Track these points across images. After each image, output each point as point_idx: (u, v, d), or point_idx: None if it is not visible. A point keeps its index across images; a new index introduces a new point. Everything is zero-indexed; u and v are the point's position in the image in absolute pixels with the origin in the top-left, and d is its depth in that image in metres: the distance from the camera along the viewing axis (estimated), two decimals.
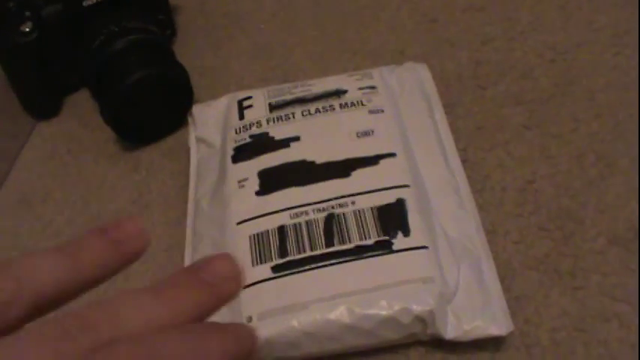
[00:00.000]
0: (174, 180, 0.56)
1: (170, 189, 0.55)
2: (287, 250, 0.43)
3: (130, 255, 0.27)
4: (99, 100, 0.58)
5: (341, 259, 0.43)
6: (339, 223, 0.44)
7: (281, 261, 0.43)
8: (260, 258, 0.43)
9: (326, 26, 0.66)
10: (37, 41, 0.58)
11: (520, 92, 0.56)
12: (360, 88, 0.53)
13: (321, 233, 0.44)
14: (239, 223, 0.46)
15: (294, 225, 0.45)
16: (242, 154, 0.50)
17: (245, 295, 0.42)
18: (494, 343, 0.42)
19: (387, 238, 0.43)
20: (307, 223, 0.45)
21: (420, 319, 0.40)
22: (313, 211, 0.45)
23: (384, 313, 0.40)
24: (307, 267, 0.43)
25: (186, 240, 0.49)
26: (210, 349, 0.23)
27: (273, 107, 0.52)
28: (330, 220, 0.44)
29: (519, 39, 0.60)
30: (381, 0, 0.67)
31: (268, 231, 0.45)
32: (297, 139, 0.50)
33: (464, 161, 0.51)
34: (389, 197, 0.45)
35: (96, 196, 0.56)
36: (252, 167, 0.49)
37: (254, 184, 0.48)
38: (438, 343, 0.42)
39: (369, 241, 0.43)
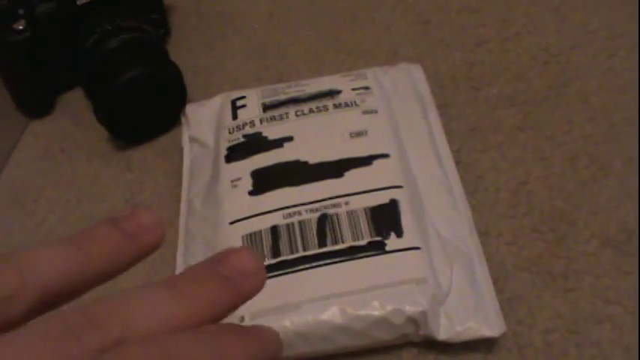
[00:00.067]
0: (167, 179, 0.56)
1: (163, 188, 0.55)
2: (280, 250, 0.43)
3: (146, 248, 0.24)
4: (92, 98, 0.58)
5: (334, 260, 0.43)
6: (332, 223, 0.44)
7: (274, 261, 0.43)
8: None
9: (320, 26, 0.66)
10: (30, 39, 0.58)
11: (514, 94, 0.56)
12: (354, 89, 0.53)
13: (314, 233, 0.44)
14: (232, 223, 0.46)
15: (287, 225, 0.44)
16: (235, 153, 0.50)
17: None
18: (486, 344, 0.42)
19: (379, 238, 0.43)
20: (300, 223, 0.44)
21: (413, 320, 0.40)
22: (306, 211, 0.45)
23: (376, 313, 0.40)
24: (300, 267, 0.43)
25: (178, 239, 0.49)
26: (231, 355, 0.21)
27: (266, 107, 0.52)
28: (323, 220, 0.44)
29: (513, 41, 0.60)
30: (376, 1, 0.67)
31: (261, 231, 0.45)
32: (290, 139, 0.50)
33: (457, 162, 0.51)
34: (382, 198, 0.45)
35: (88, 195, 0.56)
36: (245, 167, 0.49)
37: (247, 183, 0.48)
38: (431, 344, 0.42)
39: (362, 242, 0.43)
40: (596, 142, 0.51)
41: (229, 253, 0.24)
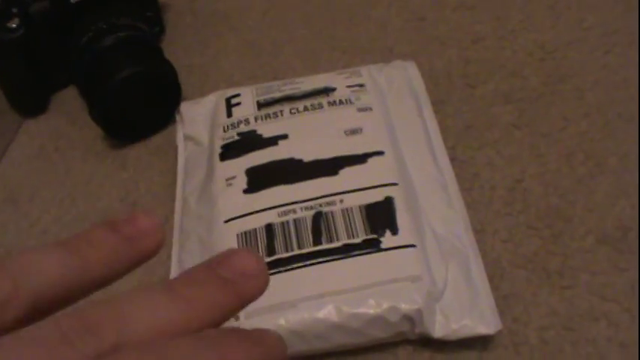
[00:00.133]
0: (162, 178, 0.56)
1: (158, 187, 0.55)
2: (275, 249, 0.43)
3: (145, 252, 0.24)
4: (87, 97, 0.58)
5: (329, 258, 0.42)
6: (327, 221, 0.44)
7: (269, 259, 0.43)
8: None
9: (315, 24, 0.66)
10: (24, 38, 0.57)
11: (509, 91, 0.56)
12: (349, 86, 0.52)
13: (309, 232, 0.44)
14: (227, 221, 0.46)
15: (282, 223, 0.44)
16: (230, 151, 0.50)
17: None
18: (482, 341, 0.42)
19: (375, 236, 0.43)
20: (295, 221, 0.44)
21: (408, 318, 0.40)
22: (301, 209, 0.45)
23: (372, 311, 0.40)
24: (295, 265, 0.42)
25: (173, 238, 0.49)
26: None
27: (261, 105, 0.52)
28: (318, 218, 0.44)
29: (509, 38, 0.60)
30: None
31: (256, 229, 0.44)
32: (285, 137, 0.49)
33: (453, 160, 0.50)
34: (377, 195, 0.45)
35: (83, 193, 0.56)
36: (240, 165, 0.49)
37: (242, 182, 0.47)
38: (426, 341, 0.42)
39: (357, 240, 0.43)
40: (591, 138, 0.51)
41: (230, 254, 0.23)
